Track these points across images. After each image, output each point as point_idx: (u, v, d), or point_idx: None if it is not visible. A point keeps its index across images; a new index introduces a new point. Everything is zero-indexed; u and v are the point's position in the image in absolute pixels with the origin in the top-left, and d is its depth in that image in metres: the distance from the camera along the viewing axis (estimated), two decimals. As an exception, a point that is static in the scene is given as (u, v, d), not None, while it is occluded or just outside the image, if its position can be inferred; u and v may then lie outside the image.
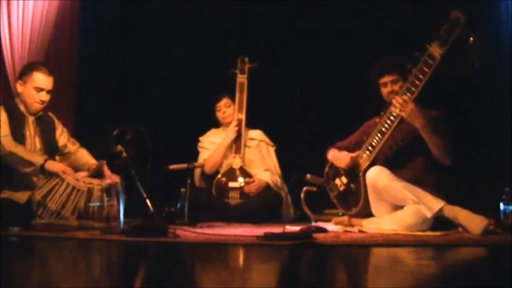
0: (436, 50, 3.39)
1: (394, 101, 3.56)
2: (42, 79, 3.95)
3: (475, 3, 4.47)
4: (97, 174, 3.93)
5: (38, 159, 3.79)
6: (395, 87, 3.70)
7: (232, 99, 4.80)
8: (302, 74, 5.19)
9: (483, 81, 4.53)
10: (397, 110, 3.54)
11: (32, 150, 3.89)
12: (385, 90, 3.76)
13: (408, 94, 3.51)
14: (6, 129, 3.83)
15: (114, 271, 2.40)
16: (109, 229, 3.50)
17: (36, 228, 3.57)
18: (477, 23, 4.40)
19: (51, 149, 4.03)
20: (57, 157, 4.10)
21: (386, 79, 3.74)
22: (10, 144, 3.77)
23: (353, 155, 3.81)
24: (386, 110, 3.64)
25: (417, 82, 3.46)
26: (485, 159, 4.53)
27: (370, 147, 3.71)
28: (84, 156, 4.10)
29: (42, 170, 3.77)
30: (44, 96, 3.95)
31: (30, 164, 3.76)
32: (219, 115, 4.82)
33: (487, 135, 4.55)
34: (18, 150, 3.77)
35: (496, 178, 4.07)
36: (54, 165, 3.81)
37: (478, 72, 4.09)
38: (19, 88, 3.96)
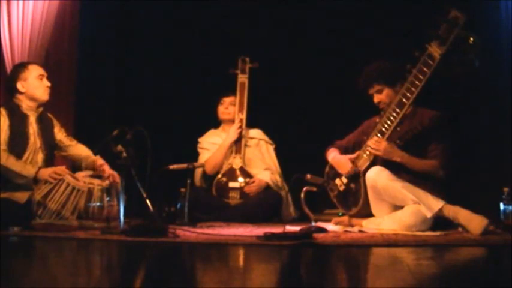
0: (435, 50, 3.38)
1: (367, 146, 3.66)
2: (38, 67, 4.03)
3: (475, 3, 4.47)
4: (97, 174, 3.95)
5: (30, 171, 3.76)
6: (382, 96, 3.76)
7: None
8: (302, 73, 5.19)
9: (483, 81, 4.53)
10: (373, 151, 3.60)
11: (31, 149, 3.89)
12: (374, 100, 3.79)
13: (379, 134, 3.60)
14: (2, 137, 3.82)
15: (114, 271, 2.40)
16: (109, 229, 3.49)
17: (36, 228, 3.57)
18: (477, 23, 4.42)
19: (51, 146, 4.05)
20: (56, 153, 4.11)
21: (370, 91, 3.80)
22: (2, 157, 3.75)
23: (352, 156, 3.81)
24: (386, 110, 3.65)
25: (417, 82, 3.46)
26: (485, 159, 4.53)
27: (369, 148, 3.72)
28: (83, 150, 4.11)
29: (35, 180, 3.75)
30: (47, 82, 4.01)
31: (22, 176, 3.75)
32: (221, 109, 4.81)
33: (487, 136, 4.55)
34: (9, 163, 3.76)
35: (496, 178, 4.07)
36: (45, 172, 3.78)
37: (478, 72, 4.11)
38: (22, 88, 3.96)
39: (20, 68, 4.04)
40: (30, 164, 3.84)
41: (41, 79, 3.98)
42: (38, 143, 3.97)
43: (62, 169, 3.83)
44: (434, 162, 3.62)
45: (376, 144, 3.61)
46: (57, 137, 4.12)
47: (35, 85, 3.97)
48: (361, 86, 3.83)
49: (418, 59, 3.44)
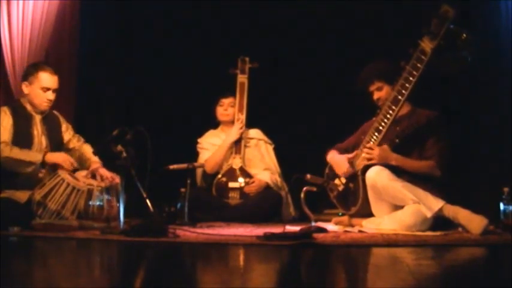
0: (427, 45, 3.40)
1: (362, 153, 3.67)
2: (48, 79, 3.99)
3: (475, 3, 4.47)
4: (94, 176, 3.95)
5: (37, 156, 3.81)
6: (382, 94, 3.76)
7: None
8: (302, 73, 5.19)
9: (483, 81, 4.53)
10: (368, 160, 3.62)
11: (36, 149, 3.90)
12: (373, 98, 3.79)
13: (375, 135, 3.61)
14: (5, 135, 3.84)
15: (114, 271, 2.40)
16: (109, 229, 3.50)
17: (36, 228, 3.57)
18: (477, 23, 4.42)
19: (58, 147, 4.06)
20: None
21: (371, 88, 3.81)
22: (5, 150, 3.77)
23: (350, 156, 3.82)
24: (382, 108, 3.65)
25: (411, 78, 3.48)
26: (485, 159, 4.53)
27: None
28: (87, 153, 4.12)
29: (43, 165, 3.78)
30: (51, 95, 4.00)
31: (30, 163, 3.77)
32: (220, 110, 4.81)
33: (487, 135, 4.55)
34: (14, 153, 3.78)
35: (496, 178, 4.07)
36: (54, 157, 3.83)
37: (478, 72, 4.11)
38: (25, 89, 3.99)
39: (32, 69, 4.03)
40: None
41: (45, 91, 3.97)
42: (44, 143, 3.98)
43: (70, 160, 3.83)
44: (431, 162, 3.63)
45: (369, 152, 3.62)
46: (65, 138, 4.13)
47: (35, 93, 3.97)
48: (361, 82, 3.83)
49: (411, 55, 3.46)
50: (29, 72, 4.02)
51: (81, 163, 4.07)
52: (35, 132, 3.96)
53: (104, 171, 3.95)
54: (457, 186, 3.92)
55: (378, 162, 3.59)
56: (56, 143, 4.05)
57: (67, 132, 4.15)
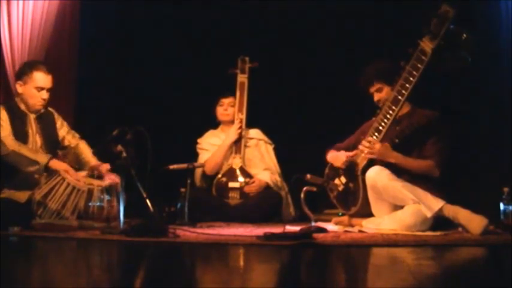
0: (427, 45, 3.40)
1: (360, 147, 3.66)
2: (42, 78, 3.97)
3: (475, 3, 4.47)
4: (97, 175, 3.94)
5: (43, 158, 3.80)
6: (382, 95, 3.76)
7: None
8: (302, 73, 5.19)
9: (483, 81, 4.53)
10: (366, 153, 3.61)
11: (34, 149, 3.90)
12: (374, 99, 3.79)
13: (376, 133, 3.61)
14: (8, 129, 3.85)
15: (114, 271, 2.40)
16: (109, 229, 3.50)
17: (36, 228, 3.57)
18: (477, 23, 4.42)
19: (53, 145, 4.05)
20: (59, 152, 4.11)
21: (371, 89, 3.81)
22: (13, 144, 3.78)
23: (350, 153, 3.82)
24: (382, 108, 3.65)
25: (411, 78, 3.48)
26: (485, 159, 4.53)
27: (367, 146, 3.72)
28: (85, 154, 4.11)
29: (46, 168, 3.78)
30: (45, 95, 3.98)
31: (35, 162, 3.77)
32: (220, 110, 4.81)
33: (487, 135, 4.55)
34: (22, 149, 3.79)
35: (496, 178, 4.07)
36: (57, 164, 3.82)
37: (478, 72, 4.11)
38: (19, 88, 3.99)
39: (26, 69, 4.00)
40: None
41: (39, 91, 3.96)
42: (39, 142, 3.98)
43: (71, 169, 3.83)
44: (430, 162, 3.63)
45: (370, 146, 3.61)
46: (60, 134, 4.12)
47: (30, 93, 3.96)
48: (361, 84, 3.84)
49: (411, 55, 3.46)
50: (23, 71, 4.00)
51: (80, 165, 4.06)
52: (30, 131, 3.96)
53: (107, 173, 3.94)
54: (457, 186, 3.92)
55: (378, 157, 3.59)
56: (51, 142, 4.04)
57: (62, 129, 4.14)
